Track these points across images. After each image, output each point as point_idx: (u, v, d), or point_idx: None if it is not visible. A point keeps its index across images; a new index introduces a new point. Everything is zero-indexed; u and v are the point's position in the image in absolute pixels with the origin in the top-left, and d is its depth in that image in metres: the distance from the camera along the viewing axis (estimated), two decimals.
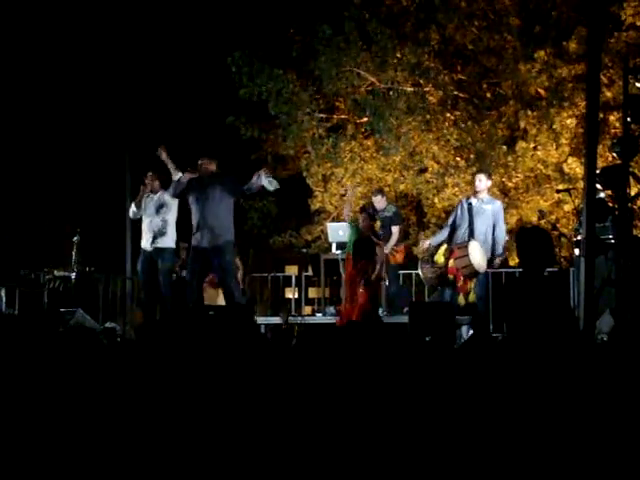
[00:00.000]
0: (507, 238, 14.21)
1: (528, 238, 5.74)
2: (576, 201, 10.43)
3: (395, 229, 11.08)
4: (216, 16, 16.04)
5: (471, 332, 9.26)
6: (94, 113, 16.01)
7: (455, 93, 14.74)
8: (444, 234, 9.85)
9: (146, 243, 10.09)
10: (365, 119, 15.01)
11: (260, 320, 10.79)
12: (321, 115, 15.30)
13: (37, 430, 3.57)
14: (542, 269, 5.61)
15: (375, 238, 10.46)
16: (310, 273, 12.93)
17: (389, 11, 14.81)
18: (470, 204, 9.63)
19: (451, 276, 9.44)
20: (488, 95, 14.75)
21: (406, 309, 10.00)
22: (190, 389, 4.09)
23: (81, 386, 4.25)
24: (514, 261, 14.11)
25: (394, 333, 9.34)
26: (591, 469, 3.05)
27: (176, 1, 16.12)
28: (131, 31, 13.72)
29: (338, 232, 12.14)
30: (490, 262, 9.49)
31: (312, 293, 13.36)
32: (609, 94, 13.28)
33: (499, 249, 9.54)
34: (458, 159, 14.44)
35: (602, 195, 8.87)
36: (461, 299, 9.35)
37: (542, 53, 13.98)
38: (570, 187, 11.31)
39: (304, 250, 14.18)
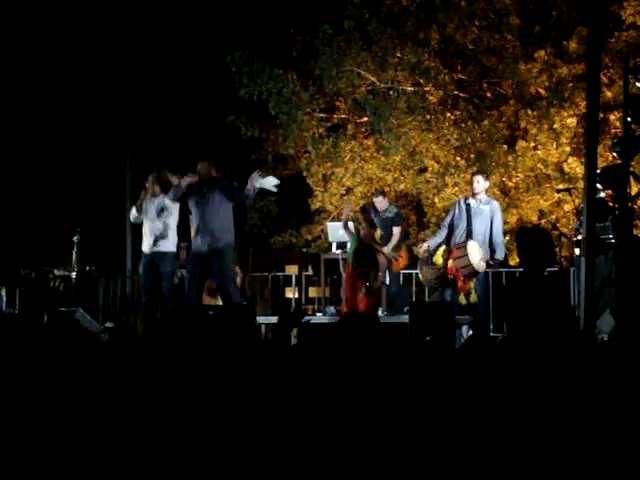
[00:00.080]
0: (508, 238, 14.27)
1: (528, 238, 5.74)
2: (576, 201, 10.44)
3: (396, 230, 11.06)
4: (216, 16, 16.04)
5: (470, 332, 9.27)
6: (95, 113, 16.02)
7: (455, 93, 14.75)
8: (442, 235, 9.83)
9: (147, 246, 10.08)
10: (365, 119, 15.03)
11: (260, 320, 10.78)
12: (321, 115, 15.32)
13: (37, 429, 3.57)
14: (542, 269, 5.61)
15: (376, 245, 10.49)
16: (310, 273, 12.93)
17: (389, 11, 14.82)
18: (468, 204, 9.62)
19: (451, 276, 9.44)
20: (488, 95, 14.76)
21: (406, 309, 10.00)
22: (190, 389, 4.09)
23: (80, 385, 4.25)
24: (514, 261, 14.12)
25: (394, 333, 9.35)
26: (592, 469, 3.05)
27: (176, 1, 16.12)
28: (131, 32, 13.73)
29: (338, 232, 12.14)
30: (488, 264, 9.48)
31: (312, 293, 13.36)
32: (609, 94, 13.29)
33: (499, 252, 9.50)
34: (458, 159, 14.45)
35: (602, 195, 8.87)
36: (462, 299, 9.35)
37: (542, 53, 13.99)
38: (570, 187, 11.31)
39: (304, 250, 14.19)
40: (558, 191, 12.62)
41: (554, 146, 13.87)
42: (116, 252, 12.67)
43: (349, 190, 15.26)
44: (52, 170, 16.18)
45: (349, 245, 11.05)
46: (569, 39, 13.84)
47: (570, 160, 13.74)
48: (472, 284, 9.38)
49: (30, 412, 3.78)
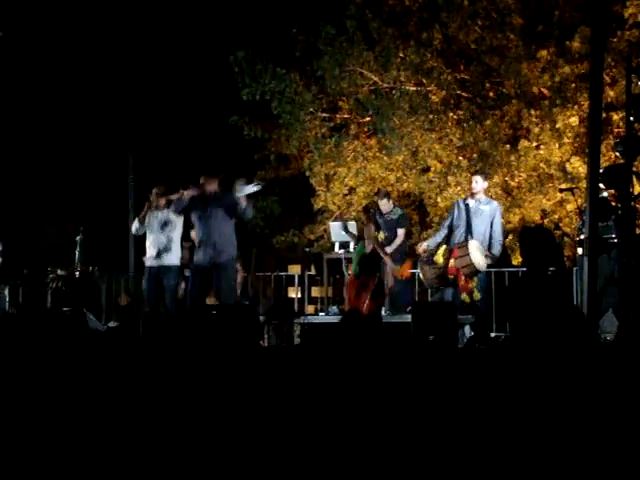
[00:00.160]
0: (510, 238, 14.25)
1: (531, 237, 5.74)
2: (579, 200, 10.44)
3: (400, 231, 11.06)
4: (219, 16, 16.05)
5: (472, 333, 9.28)
6: (98, 113, 16.03)
7: (458, 92, 14.74)
8: (441, 235, 9.84)
9: (151, 260, 10.10)
10: (368, 119, 15.02)
11: (263, 319, 10.79)
12: (324, 115, 15.31)
13: (38, 426, 3.57)
14: (545, 268, 5.61)
15: (380, 250, 10.51)
16: (313, 272, 12.94)
17: (392, 10, 14.80)
18: (467, 205, 9.61)
19: (451, 276, 9.44)
20: (491, 94, 14.74)
21: (409, 309, 10.00)
22: (192, 388, 4.10)
23: (83, 383, 4.25)
24: (517, 260, 14.12)
25: (397, 332, 9.36)
26: (597, 468, 3.06)
27: (179, 1, 16.12)
28: (135, 32, 13.74)
29: (341, 231, 12.14)
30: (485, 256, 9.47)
31: (315, 292, 13.37)
32: (612, 93, 13.27)
33: (495, 247, 9.49)
34: (461, 158, 14.44)
35: (605, 194, 8.87)
36: (466, 298, 9.35)
37: (545, 52, 13.97)
38: (573, 186, 11.30)
39: (307, 249, 14.18)
40: (561, 191, 12.60)
41: (557, 146, 13.84)
42: (119, 252, 12.68)
43: (352, 190, 15.26)
44: (55, 170, 16.19)
45: (354, 256, 11.04)
46: (572, 39, 13.81)
47: (573, 160, 13.72)
48: (474, 283, 9.38)
49: (31, 410, 3.79)
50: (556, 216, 13.87)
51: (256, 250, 13.87)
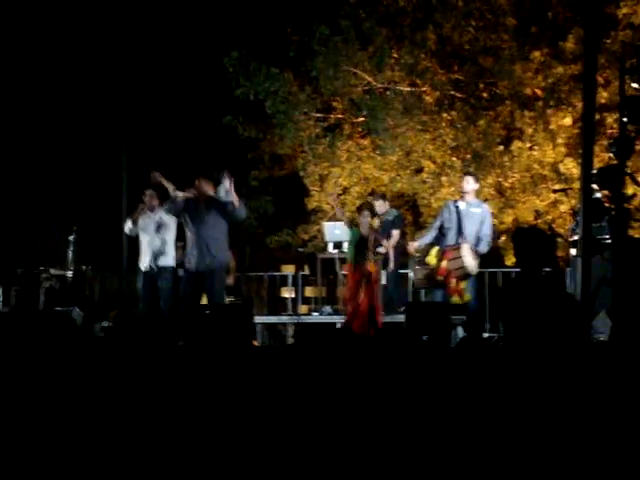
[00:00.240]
0: (504, 238, 14.26)
1: (525, 238, 5.75)
2: (572, 201, 10.47)
3: (395, 232, 11.06)
4: (213, 16, 16.03)
5: (463, 333, 9.29)
6: (91, 112, 16.00)
7: (452, 93, 14.75)
8: (431, 237, 9.83)
9: (146, 264, 10.11)
10: (362, 119, 15.02)
11: (257, 319, 10.79)
12: (318, 115, 15.31)
13: (31, 425, 3.57)
14: (539, 269, 5.62)
15: (376, 235, 10.45)
16: (307, 272, 12.94)
17: (386, 11, 14.81)
18: (458, 207, 9.60)
19: (440, 277, 9.44)
20: (485, 95, 14.76)
21: (403, 309, 10.01)
22: (186, 387, 4.10)
23: (76, 382, 4.25)
24: (510, 261, 14.14)
25: (391, 332, 9.37)
26: (592, 468, 3.07)
27: (173, 1, 16.10)
28: (128, 31, 13.71)
29: (334, 231, 12.15)
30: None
31: (309, 292, 13.36)
32: (605, 94, 13.29)
33: (482, 245, 9.49)
34: (454, 159, 14.45)
35: (598, 195, 8.87)
36: (457, 299, 9.35)
37: (538, 53, 14.00)
38: (566, 187, 11.34)
39: (300, 249, 14.19)
40: (554, 191, 12.63)
41: (550, 146, 13.87)
42: (112, 251, 12.65)
43: (345, 190, 15.26)
44: (48, 169, 16.16)
45: (347, 242, 10.98)
46: (565, 40, 13.85)
47: (566, 160, 13.75)
48: (463, 284, 9.39)
49: (25, 410, 3.79)
50: (549, 217, 13.89)
51: (250, 250, 13.87)
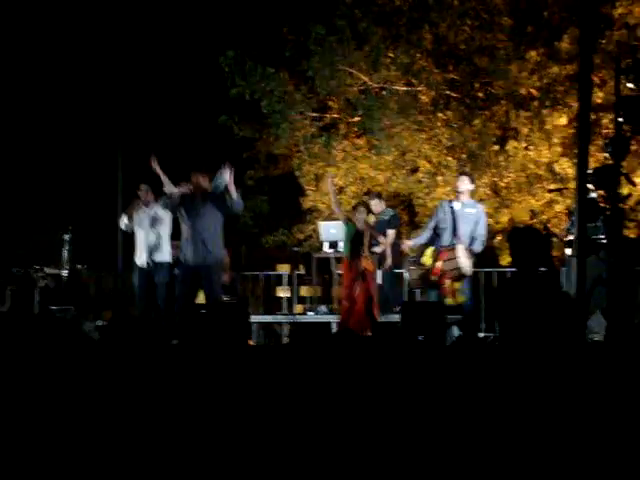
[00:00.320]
0: (499, 238, 14.27)
1: (521, 238, 5.75)
2: (567, 201, 10.47)
3: (390, 232, 11.03)
4: (209, 16, 16.02)
5: (459, 333, 9.29)
6: (86, 111, 15.98)
7: (447, 93, 14.75)
8: (425, 236, 9.81)
9: (142, 259, 10.10)
10: (357, 118, 15.02)
11: (252, 319, 10.78)
12: (313, 114, 15.31)
13: (27, 425, 3.57)
14: (535, 269, 5.63)
15: (372, 232, 10.42)
16: (302, 272, 12.93)
17: (381, 10, 14.81)
18: (452, 208, 9.58)
19: (434, 277, 9.43)
20: (480, 95, 14.77)
21: (398, 308, 10.01)
22: (182, 387, 4.09)
23: (72, 382, 4.24)
24: (506, 261, 14.14)
25: (386, 332, 9.36)
26: (588, 466, 3.07)
27: (169, 1, 16.09)
28: (124, 31, 13.70)
29: (330, 231, 12.14)
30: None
31: (304, 292, 13.35)
32: (601, 94, 13.30)
33: (476, 245, 9.48)
34: (450, 159, 14.46)
35: (594, 195, 8.88)
36: (450, 300, 9.35)
37: (534, 53, 14.01)
38: (562, 187, 11.34)
39: (296, 249, 14.18)
40: (549, 191, 12.65)
41: (546, 146, 13.89)
42: (107, 250, 12.65)
43: (341, 189, 15.26)
44: (44, 168, 16.15)
45: (343, 237, 10.94)
46: (561, 40, 13.86)
47: (561, 160, 13.77)
48: (458, 285, 9.39)
49: (21, 409, 3.78)
50: (545, 217, 13.91)
51: (245, 249, 13.87)
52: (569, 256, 9.36)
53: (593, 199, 8.78)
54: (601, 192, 8.67)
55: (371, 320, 9.98)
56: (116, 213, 11.81)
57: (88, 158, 15.94)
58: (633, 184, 9.17)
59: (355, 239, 10.36)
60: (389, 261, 10.74)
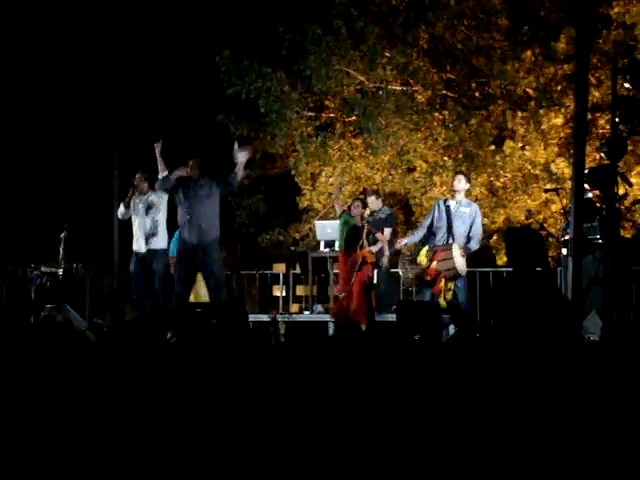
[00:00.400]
0: (495, 238, 14.28)
1: (517, 238, 5.75)
2: (564, 201, 10.47)
3: (387, 231, 11.01)
4: (205, 15, 16.02)
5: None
6: (82, 110, 15.97)
7: (444, 92, 14.77)
8: (420, 235, 9.82)
9: (138, 245, 10.14)
10: (354, 118, 15.03)
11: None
12: (310, 114, 15.32)
13: (25, 425, 3.56)
14: (531, 269, 5.63)
15: (369, 226, 10.41)
16: (298, 271, 12.93)
17: (378, 10, 14.81)
18: (448, 206, 9.59)
19: (429, 277, 9.43)
20: (477, 94, 14.78)
21: (394, 308, 10.01)
22: (179, 386, 4.09)
23: (65, 381, 4.24)
24: (502, 260, 14.15)
25: (382, 331, 9.36)
26: (584, 466, 3.06)
27: (165, 0, 16.08)
28: (120, 30, 13.68)
29: (326, 230, 12.14)
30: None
31: (300, 291, 13.36)
32: (597, 94, 13.33)
33: (473, 243, 9.48)
34: (446, 159, 14.47)
35: (590, 195, 8.90)
36: (442, 301, 9.35)
37: (529, 53, 14.03)
38: (558, 187, 11.34)
39: (292, 248, 14.19)
40: (546, 191, 12.64)
41: (542, 146, 13.90)
42: (104, 249, 12.63)
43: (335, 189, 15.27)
44: (40, 167, 16.13)
45: (339, 228, 10.93)
46: (557, 39, 13.88)
47: (558, 160, 13.79)
48: (450, 285, 9.38)
49: (17, 408, 3.77)
50: (541, 216, 13.92)
51: (241, 248, 13.86)
52: (565, 256, 9.37)
53: (589, 199, 8.79)
54: (597, 192, 8.68)
55: (368, 311, 9.98)
56: (112, 212, 11.80)
57: (84, 157, 15.93)
58: (629, 184, 9.16)
59: (352, 233, 10.36)
60: (385, 260, 10.74)
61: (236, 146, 9.33)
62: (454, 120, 14.38)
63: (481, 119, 14.41)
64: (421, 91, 14.69)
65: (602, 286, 8.23)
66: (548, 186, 12.74)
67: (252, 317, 11.28)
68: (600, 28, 13.37)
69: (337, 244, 11.13)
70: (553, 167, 13.77)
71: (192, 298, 10.08)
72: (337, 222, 11.03)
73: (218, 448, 3.28)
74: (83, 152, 16.02)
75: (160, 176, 9.54)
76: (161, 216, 10.16)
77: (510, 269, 9.96)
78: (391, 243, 10.97)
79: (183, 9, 16.04)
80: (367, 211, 10.81)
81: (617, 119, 8.42)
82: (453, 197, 9.67)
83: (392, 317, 9.56)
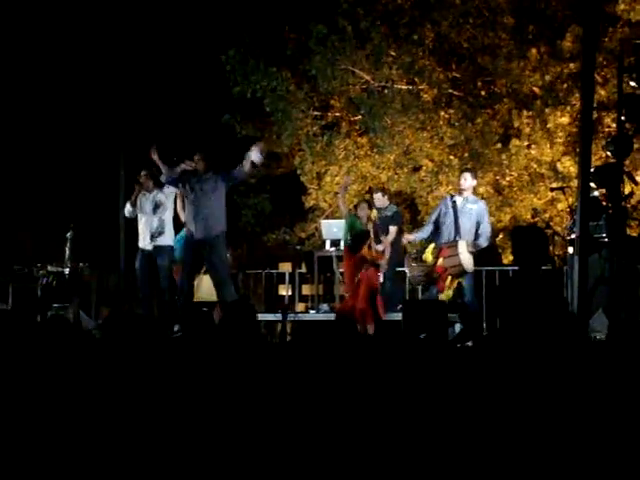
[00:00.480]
0: (501, 237, 14.26)
1: (524, 237, 5.75)
2: (570, 199, 10.46)
3: (393, 229, 10.98)
4: (211, 14, 16.02)
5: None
6: (89, 110, 15.98)
7: (450, 91, 14.75)
8: (427, 231, 9.80)
9: (144, 243, 10.18)
10: (359, 117, 15.02)
11: None
12: (315, 113, 15.32)
13: (30, 424, 3.56)
14: (537, 267, 5.63)
15: (375, 228, 10.38)
16: (304, 270, 12.93)
17: (384, 9, 14.81)
18: (455, 202, 9.57)
19: (437, 275, 9.42)
20: (482, 93, 14.77)
21: (400, 307, 9.99)
22: (186, 385, 4.09)
23: (72, 380, 4.24)
24: (508, 259, 14.14)
25: (388, 330, 9.36)
26: (589, 466, 3.06)
27: (171, 0, 16.09)
28: (126, 29, 13.69)
29: (332, 229, 12.12)
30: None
31: (306, 290, 13.34)
32: (603, 93, 13.31)
33: (482, 240, 9.46)
34: (452, 157, 14.45)
35: (596, 194, 8.88)
36: (443, 296, 9.33)
37: (535, 51, 14.01)
38: (564, 185, 11.33)
39: (298, 247, 14.17)
40: (552, 190, 12.64)
41: (548, 145, 13.88)
42: (110, 249, 12.65)
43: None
44: (46, 166, 16.15)
45: (345, 227, 10.90)
46: (563, 38, 13.86)
47: (564, 159, 13.77)
48: (456, 282, 9.37)
49: (23, 407, 3.78)
50: (547, 215, 13.90)
51: (247, 247, 13.87)
52: (571, 254, 9.35)
53: (595, 197, 8.78)
54: (603, 191, 8.67)
55: (374, 315, 9.95)
56: (118, 211, 11.82)
57: (90, 157, 15.94)
58: (635, 182, 9.15)
59: (358, 237, 10.33)
60: (384, 263, 10.71)
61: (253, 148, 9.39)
62: (460, 119, 14.37)
63: (487, 118, 14.40)
64: (427, 90, 14.68)
65: (608, 284, 8.22)
66: (554, 185, 12.73)
67: (258, 316, 11.28)
68: (606, 26, 13.34)
69: (342, 243, 11.11)
70: (559, 166, 13.75)
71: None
72: (343, 221, 11.00)
73: (219, 446, 3.29)
74: (89, 152, 16.03)
75: (163, 177, 9.57)
76: (168, 214, 10.21)
77: (516, 268, 9.96)
78: (397, 241, 10.96)
79: (189, 9, 16.04)
80: (374, 212, 10.78)
81: (623, 117, 8.42)
82: (460, 194, 9.66)
83: (398, 316, 9.55)
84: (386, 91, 14.53)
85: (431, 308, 8.96)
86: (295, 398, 3.83)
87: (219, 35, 15.24)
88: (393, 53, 14.54)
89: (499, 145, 14.22)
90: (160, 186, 10.02)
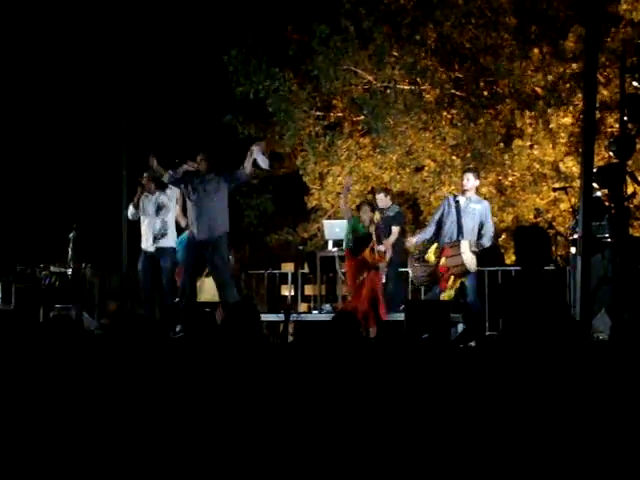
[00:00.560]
0: (504, 237, 14.26)
1: (527, 237, 5.75)
2: (572, 200, 10.45)
3: (395, 229, 10.98)
4: (213, 14, 16.02)
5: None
6: (91, 110, 15.99)
7: (452, 91, 14.75)
8: (430, 231, 9.79)
9: (147, 244, 10.18)
10: (362, 117, 15.02)
11: None
12: (318, 113, 15.32)
13: (31, 424, 3.57)
14: (540, 268, 5.62)
15: (378, 229, 10.38)
16: (306, 270, 12.93)
17: (386, 9, 14.81)
18: (457, 202, 9.57)
19: (440, 274, 9.42)
20: (485, 93, 14.76)
21: (402, 307, 9.99)
22: (188, 386, 4.09)
23: (74, 379, 4.25)
24: (510, 259, 14.13)
25: (391, 331, 9.35)
26: (591, 467, 3.06)
27: (173, 0, 16.10)
28: (128, 29, 13.71)
29: (334, 229, 12.12)
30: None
31: (308, 290, 13.35)
32: (606, 93, 13.31)
33: (485, 239, 9.46)
34: (454, 158, 14.44)
35: (598, 194, 8.88)
36: (445, 295, 9.33)
37: (537, 51, 14.01)
38: (567, 186, 11.32)
39: (300, 247, 14.17)
40: (554, 190, 12.62)
41: (550, 145, 13.88)
42: (112, 249, 12.66)
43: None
44: (49, 167, 16.16)
45: (347, 229, 10.90)
46: (565, 38, 13.86)
47: (566, 159, 13.76)
48: (459, 282, 9.37)
49: (26, 408, 3.78)
50: (550, 215, 13.89)
51: (249, 248, 13.87)
52: (574, 255, 9.35)
53: (598, 198, 8.78)
54: (606, 191, 8.67)
55: (376, 317, 9.95)
56: (121, 212, 11.84)
57: (93, 157, 15.95)
58: (638, 183, 9.15)
59: (361, 239, 10.32)
60: (384, 265, 10.70)
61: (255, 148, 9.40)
62: (462, 119, 14.37)
63: (489, 118, 14.40)
64: (429, 90, 14.68)
65: (611, 285, 8.22)
66: (557, 185, 12.72)
67: (261, 317, 11.27)
68: (608, 26, 13.34)
69: (344, 244, 11.11)
70: (562, 166, 13.75)
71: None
72: (345, 222, 11.00)
73: (222, 446, 3.29)
74: (92, 153, 16.04)
75: (166, 176, 9.58)
76: (170, 216, 10.21)
77: (519, 268, 9.94)
78: (399, 242, 10.96)
79: (191, 9, 16.04)
80: (377, 214, 10.78)
81: (625, 118, 8.41)
82: (463, 193, 9.66)
83: (400, 316, 9.54)
84: (388, 91, 14.52)
85: (434, 308, 8.96)
86: (298, 398, 3.83)
87: (221, 35, 15.24)
88: (395, 53, 14.54)
89: (501, 145, 14.22)
90: (162, 188, 10.02)
